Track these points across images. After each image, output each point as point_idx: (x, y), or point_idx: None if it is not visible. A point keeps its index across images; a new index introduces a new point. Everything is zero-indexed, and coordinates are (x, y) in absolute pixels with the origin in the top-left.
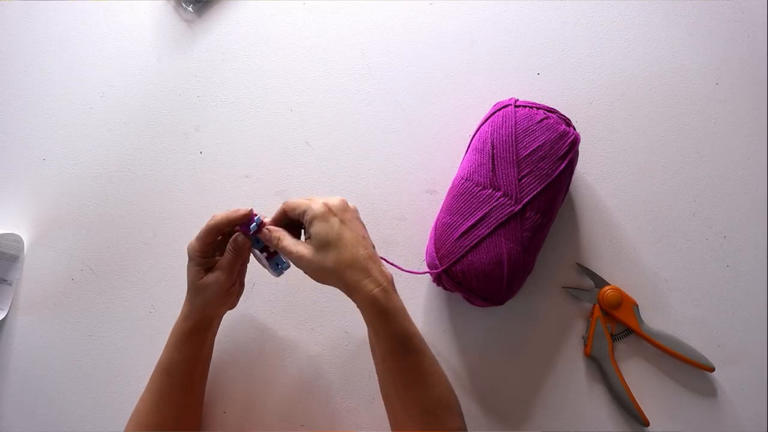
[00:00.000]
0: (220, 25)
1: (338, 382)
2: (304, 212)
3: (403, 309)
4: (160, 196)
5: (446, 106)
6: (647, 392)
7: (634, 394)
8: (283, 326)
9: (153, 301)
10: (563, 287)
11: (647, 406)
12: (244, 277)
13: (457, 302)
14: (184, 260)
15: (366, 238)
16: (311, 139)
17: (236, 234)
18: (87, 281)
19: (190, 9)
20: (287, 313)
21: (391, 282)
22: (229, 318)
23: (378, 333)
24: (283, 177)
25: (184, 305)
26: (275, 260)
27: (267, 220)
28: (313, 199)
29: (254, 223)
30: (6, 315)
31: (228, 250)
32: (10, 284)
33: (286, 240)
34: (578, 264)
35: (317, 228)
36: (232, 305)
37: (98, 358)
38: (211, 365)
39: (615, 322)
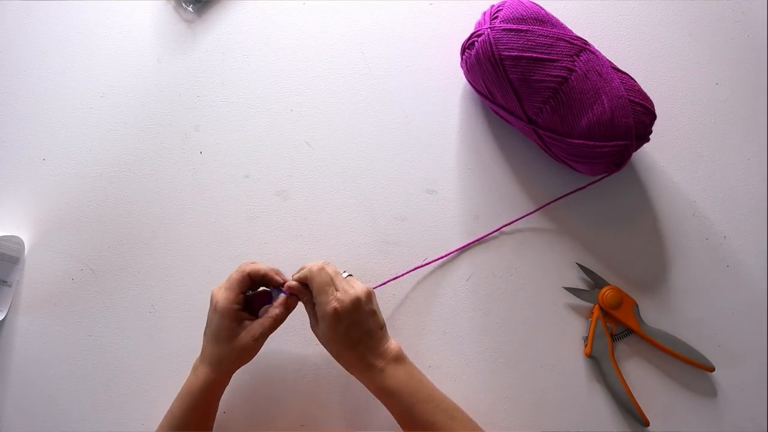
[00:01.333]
0: (220, 25)
1: (338, 382)
2: (318, 304)
3: (404, 380)
4: (160, 196)
5: (447, 106)
6: (647, 392)
7: (634, 394)
8: (282, 326)
9: (153, 301)
10: (563, 287)
11: (647, 406)
12: None
13: (453, 299)
14: (184, 260)
15: (371, 330)
16: (311, 139)
17: (286, 296)
18: (87, 281)
19: (190, 9)
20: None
21: (392, 358)
22: None
23: (388, 408)
24: (283, 177)
25: (204, 362)
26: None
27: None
28: (330, 295)
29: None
30: (5, 316)
31: (271, 318)
32: (10, 286)
33: (309, 307)
34: (578, 264)
35: (324, 329)
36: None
37: (98, 358)
38: None
39: (615, 322)
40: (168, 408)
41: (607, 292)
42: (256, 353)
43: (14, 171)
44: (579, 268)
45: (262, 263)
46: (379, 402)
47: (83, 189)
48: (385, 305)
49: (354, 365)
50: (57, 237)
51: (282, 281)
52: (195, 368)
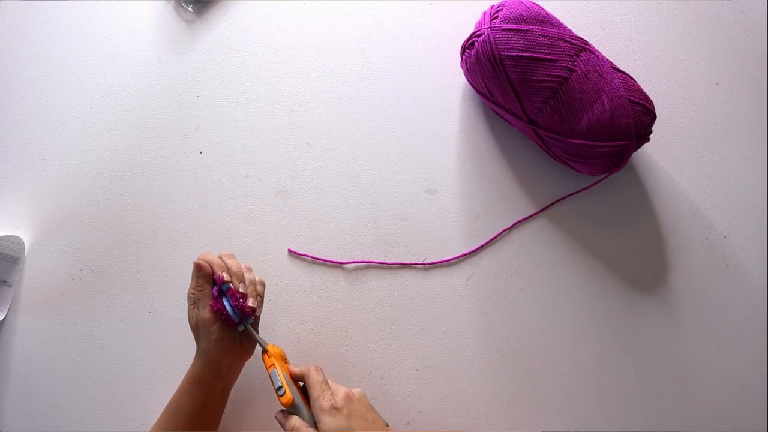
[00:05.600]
0: (220, 25)
1: (338, 382)
2: (314, 399)
3: None
4: (160, 196)
5: (447, 106)
6: None
7: None
8: (283, 326)
9: (153, 301)
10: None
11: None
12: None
13: (453, 299)
14: (184, 260)
15: (376, 420)
16: (311, 139)
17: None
18: (87, 281)
19: (190, 9)
20: (287, 312)
21: None
22: None
23: None
24: (283, 177)
25: (196, 351)
26: (239, 315)
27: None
28: (324, 393)
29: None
30: (5, 316)
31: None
32: (10, 286)
33: (298, 423)
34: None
35: (329, 423)
36: (249, 353)
37: (98, 358)
38: None
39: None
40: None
41: (276, 349)
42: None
43: (14, 171)
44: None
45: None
46: (379, 402)
47: (83, 189)
48: (385, 305)
49: None
50: (57, 237)
51: (223, 277)
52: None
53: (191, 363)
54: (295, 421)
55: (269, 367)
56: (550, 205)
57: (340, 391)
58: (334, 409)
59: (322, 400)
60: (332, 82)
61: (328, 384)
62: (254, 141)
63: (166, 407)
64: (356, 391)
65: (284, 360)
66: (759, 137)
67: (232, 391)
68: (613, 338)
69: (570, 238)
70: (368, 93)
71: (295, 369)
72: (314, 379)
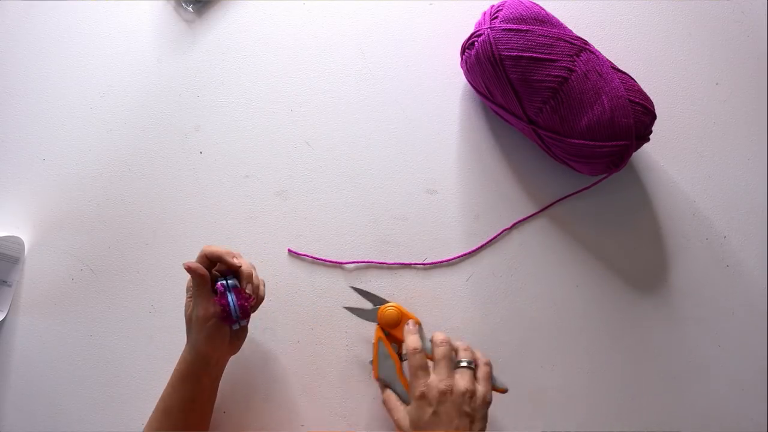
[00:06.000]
0: (220, 25)
1: (338, 382)
2: (410, 381)
3: None
4: (160, 196)
5: (447, 106)
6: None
7: None
8: (282, 326)
9: (153, 301)
10: (343, 307)
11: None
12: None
13: (453, 299)
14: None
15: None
16: (311, 139)
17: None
18: (87, 281)
19: (190, 9)
20: (287, 312)
21: None
22: None
23: None
24: (283, 177)
25: (186, 344)
26: (239, 314)
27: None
28: (420, 379)
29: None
30: (5, 316)
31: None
32: (10, 286)
33: (392, 399)
34: (353, 287)
35: (411, 409)
36: (237, 349)
37: (98, 358)
38: None
39: (400, 343)
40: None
41: (386, 310)
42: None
43: (14, 171)
44: (356, 291)
45: (222, 246)
46: (379, 402)
47: (83, 189)
48: None
49: None
50: (57, 237)
51: (237, 264)
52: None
53: (179, 359)
54: (388, 393)
55: (376, 339)
56: (551, 205)
57: (444, 382)
58: (423, 399)
59: (414, 385)
60: (332, 82)
61: (426, 370)
62: (254, 141)
63: (157, 406)
64: (462, 388)
65: (395, 326)
66: (759, 137)
67: (232, 391)
68: (613, 338)
69: (570, 238)
70: (368, 93)
71: (412, 342)
72: (411, 363)
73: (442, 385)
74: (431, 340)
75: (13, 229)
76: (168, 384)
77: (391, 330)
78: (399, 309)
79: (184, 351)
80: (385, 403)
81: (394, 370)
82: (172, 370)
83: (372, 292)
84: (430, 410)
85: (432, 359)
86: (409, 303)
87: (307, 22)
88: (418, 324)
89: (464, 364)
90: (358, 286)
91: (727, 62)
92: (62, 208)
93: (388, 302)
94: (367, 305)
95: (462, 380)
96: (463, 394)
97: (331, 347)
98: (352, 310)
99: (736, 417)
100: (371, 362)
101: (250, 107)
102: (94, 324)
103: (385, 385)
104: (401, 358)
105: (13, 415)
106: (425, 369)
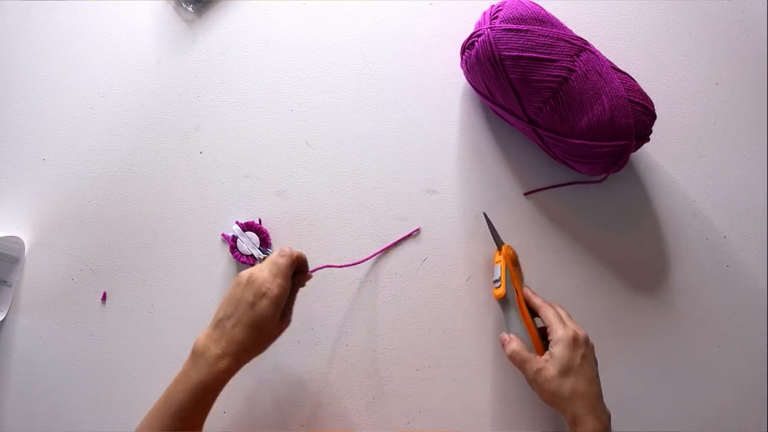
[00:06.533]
0: (220, 25)
1: (338, 382)
2: (552, 328)
3: None
4: (160, 196)
5: (447, 106)
6: None
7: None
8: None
9: (153, 301)
10: (484, 213)
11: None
12: None
13: (453, 299)
14: (184, 260)
15: (598, 376)
16: (311, 139)
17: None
18: (87, 281)
19: (190, 9)
20: None
21: (608, 422)
22: None
23: None
24: (283, 177)
25: (229, 352)
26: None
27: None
28: (566, 324)
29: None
30: (5, 316)
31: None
32: (10, 286)
33: (518, 347)
34: (484, 214)
35: (563, 352)
36: (286, 325)
37: (98, 358)
38: None
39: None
40: (166, 394)
41: (511, 249)
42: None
43: (14, 171)
44: (486, 220)
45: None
46: (379, 402)
47: (83, 189)
48: (385, 305)
49: (584, 405)
50: (57, 237)
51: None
52: (210, 358)
53: (216, 364)
54: (515, 345)
55: (496, 262)
56: (544, 188)
57: (582, 331)
58: (575, 342)
59: (567, 328)
60: (332, 82)
61: (563, 321)
62: (254, 141)
63: (166, 403)
64: (591, 342)
65: (516, 265)
66: (759, 137)
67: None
68: (613, 338)
69: (570, 238)
70: (368, 93)
71: (535, 299)
72: (556, 312)
73: (584, 332)
74: (544, 305)
75: (13, 229)
76: (188, 392)
77: (512, 265)
78: (515, 253)
79: (223, 357)
80: (514, 356)
81: (514, 297)
82: (173, 369)
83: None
84: (580, 353)
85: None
86: (409, 303)
87: (307, 22)
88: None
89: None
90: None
91: (727, 62)
92: (62, 208)
93: (504, 243)
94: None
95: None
96: (591, 343)
97: (331, 347)
98: (489, 221)
99: (736, 417)
100: (497, 281)
101: (250, 107)
102: (94, 324)
103: (503, 306)
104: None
105: (13, 415)
106: (563, 320)
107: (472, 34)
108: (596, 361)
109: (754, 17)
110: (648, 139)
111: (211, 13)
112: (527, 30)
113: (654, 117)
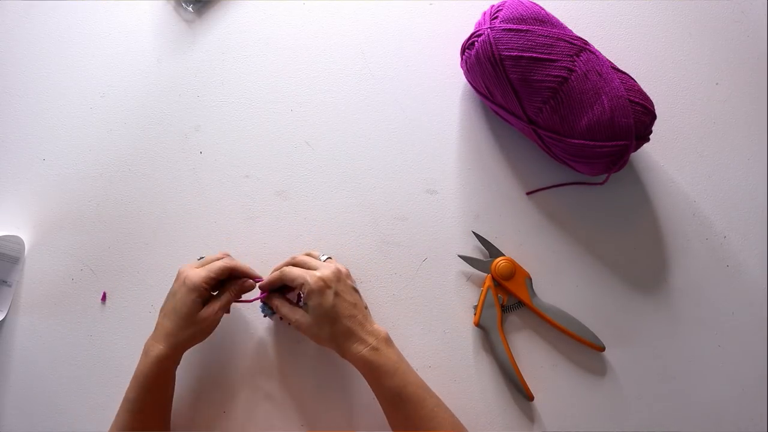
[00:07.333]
0: (220, 25)
1: (338, 382)
2: (301, 285)
3: (396, 361)
4: (160, 196)
5: (447, 106)
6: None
7: (521, 368)
8: (282, 326)
9: (153, 301)
10: (458, 255)
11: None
12: None
13: (453, 299)
14: (184, 260)
15: (357, 303)
16: (311, 139)
17: (244, 279)
18: (87, 281)
19: (190, 9)
20: None
21: (383, 339)
22: (229, 319)
23: (373, 387)
24: (283, 177)
25: (158, 340)
26: (266, 306)
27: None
28: (310, 272)
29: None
30: (5, 316)
31: (231, 291)
32: (10, 286)
33: (285, 307)
34: (474, 233)
35: (314, 302)
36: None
37: (98, 358)
38: (211, 365)
39: (507, 294)
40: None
41: (499, 263)
42: (212, 331)
43: (14, 171)
44: (476, 237)
45: (240, 261)
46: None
47: (83, 189)
48: (385, 305)
49: (346, 339)
50: (57, 237)
51: (256, 281)
52: (147, 349)
53: (147, 353)
54: (285, 309)
55: (485, 288)
56: (546, 187)
57: (329, 267)
58: (325, 284)
59: (311, 275)
60: (332, 82)
61: (309, 265)
62: (254, 141)
63: (126, 405)
64: (343, 267)
65: (508, 278)
66: (759, 137)
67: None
68: (613, 338)
69: (569, 238)
70: (368, 93)
71: (274, 273)
72: (292, 275)
73: (331, 267)
74: (282, 270)
75: (13, 229)
76: (140, 383)
77: (503, 281)
78: (512, 262)
79: (162, 347)
80: (283, 314)
81: (495, 319)
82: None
83: (491, 242)
84: (331, 293)
85: (293, 277)
86: (409, 303)
87: (307, 22)
88: (529, 278)
89: (326, 257)
90: (477, 232)
91: (727, 62)
92: (62, 208)
93: (503, 254)
94: (479, 256)
95: (334, 263)
96: (346, 271)
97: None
98: (466, 258)
99: (736, 417)
100: (475, 307)
101: (250, 107)
102: (94, 324)
103: (482, 330)
104: (503, 309)
105: (13, 415)
106: (305, 270)
107: (472, 34)
108: (354, 289)
109: (754, 17)
110: (648, 139)
111: (211, 13)
112: (527, 30)
113: (654, 117)
